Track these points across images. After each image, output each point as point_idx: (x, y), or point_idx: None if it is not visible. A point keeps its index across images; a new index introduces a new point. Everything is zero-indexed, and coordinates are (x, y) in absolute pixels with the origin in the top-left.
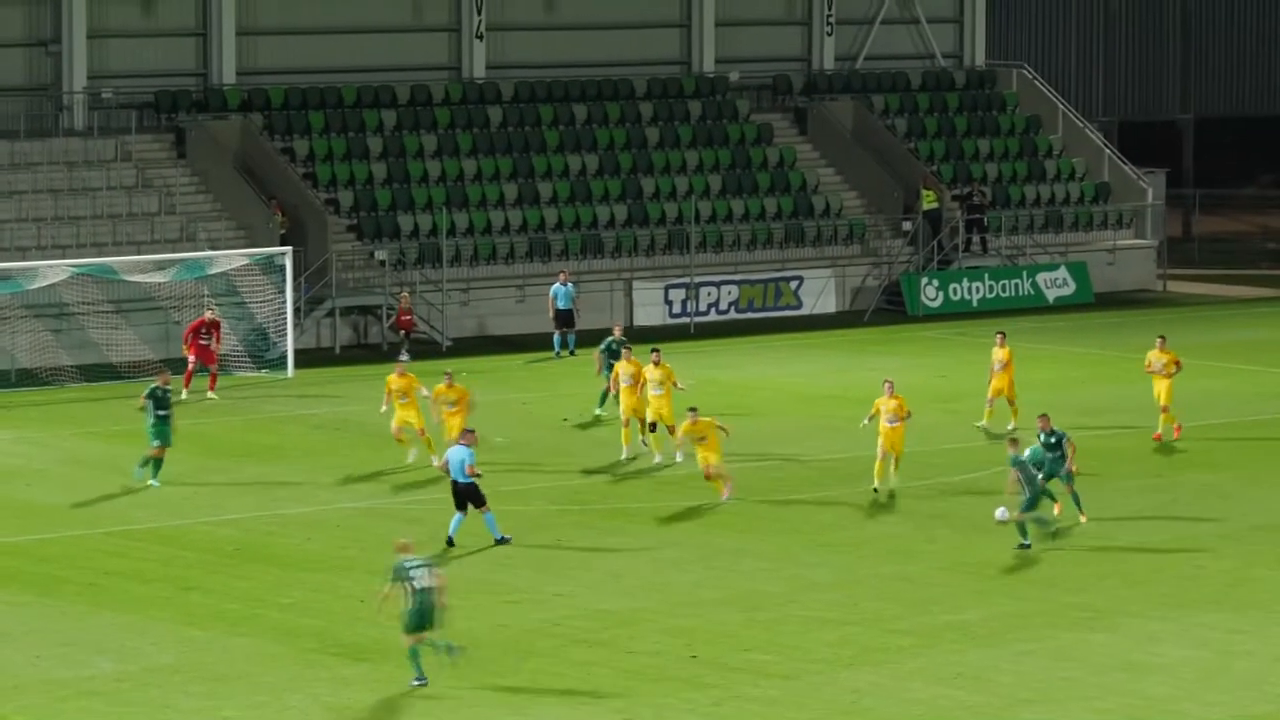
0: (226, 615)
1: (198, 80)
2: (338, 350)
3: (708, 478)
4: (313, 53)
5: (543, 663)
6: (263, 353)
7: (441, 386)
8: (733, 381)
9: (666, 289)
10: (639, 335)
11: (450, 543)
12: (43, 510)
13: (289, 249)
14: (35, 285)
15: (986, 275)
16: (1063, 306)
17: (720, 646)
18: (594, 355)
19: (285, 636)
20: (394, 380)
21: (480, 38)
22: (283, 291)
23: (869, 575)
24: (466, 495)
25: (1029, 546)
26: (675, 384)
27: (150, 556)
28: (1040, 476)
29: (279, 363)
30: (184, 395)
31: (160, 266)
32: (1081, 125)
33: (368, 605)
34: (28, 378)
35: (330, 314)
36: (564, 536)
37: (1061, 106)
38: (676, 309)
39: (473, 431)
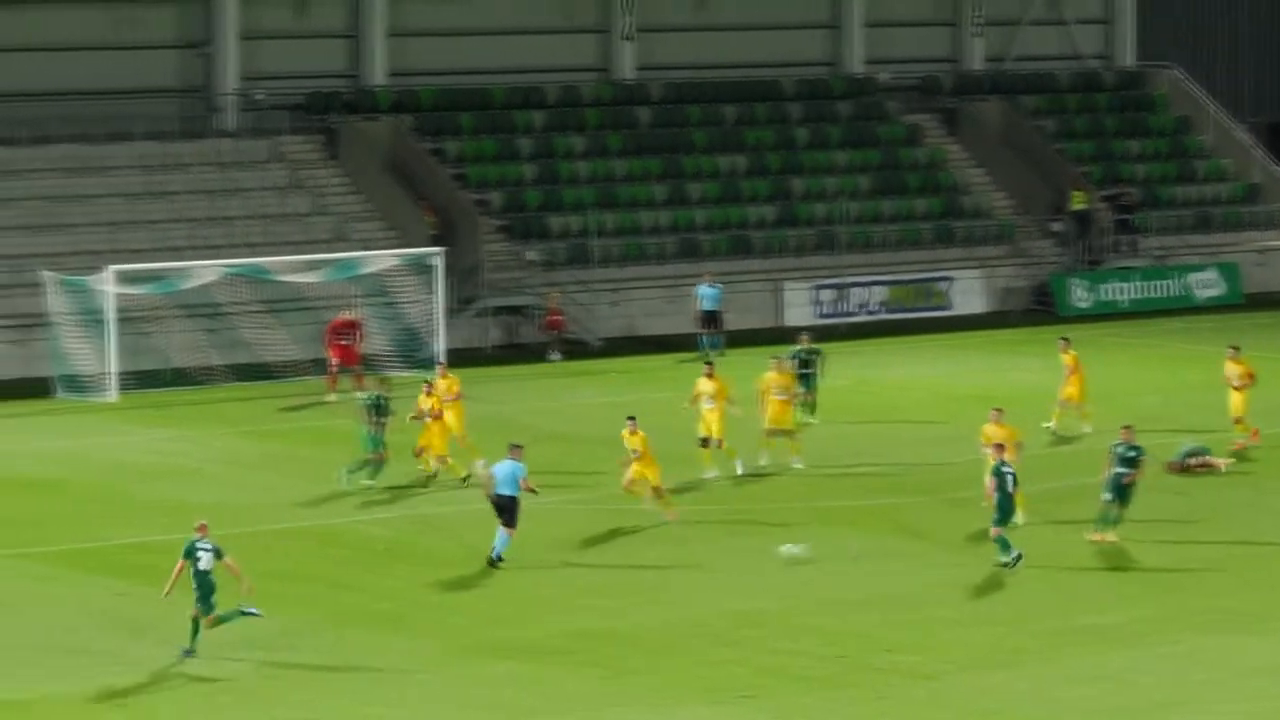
0: (378, 614)
1: (349, 81)
2: (488, 350)
3: (628, 489)
4: (463, 54)
5: (682, 662)
6: (413, 353)
7: (422, 395)
8: (882, 382)
9: (816, 289)
10: (786, 337)
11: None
12: (195, 509)
13: (440, 249)
14: (188, 285)
15: (1136, 276)
16: (1212, 307)
17: (860, 646)
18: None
19: (435, 634)
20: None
21: (630, 39)
22: (433, 292)
23: (1009, 577)
24: (506, 509)
25: (1011, 564)
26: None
27: (302, 555)
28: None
29: (430, 362)
30: (332, 397)
31: (312, 267)
32: (1231, 126)
33: (514, 604)
34: (181, 377)
35: (481, 314)
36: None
37: (1211, 107)
38: (826, 309)
39: (521, 446)
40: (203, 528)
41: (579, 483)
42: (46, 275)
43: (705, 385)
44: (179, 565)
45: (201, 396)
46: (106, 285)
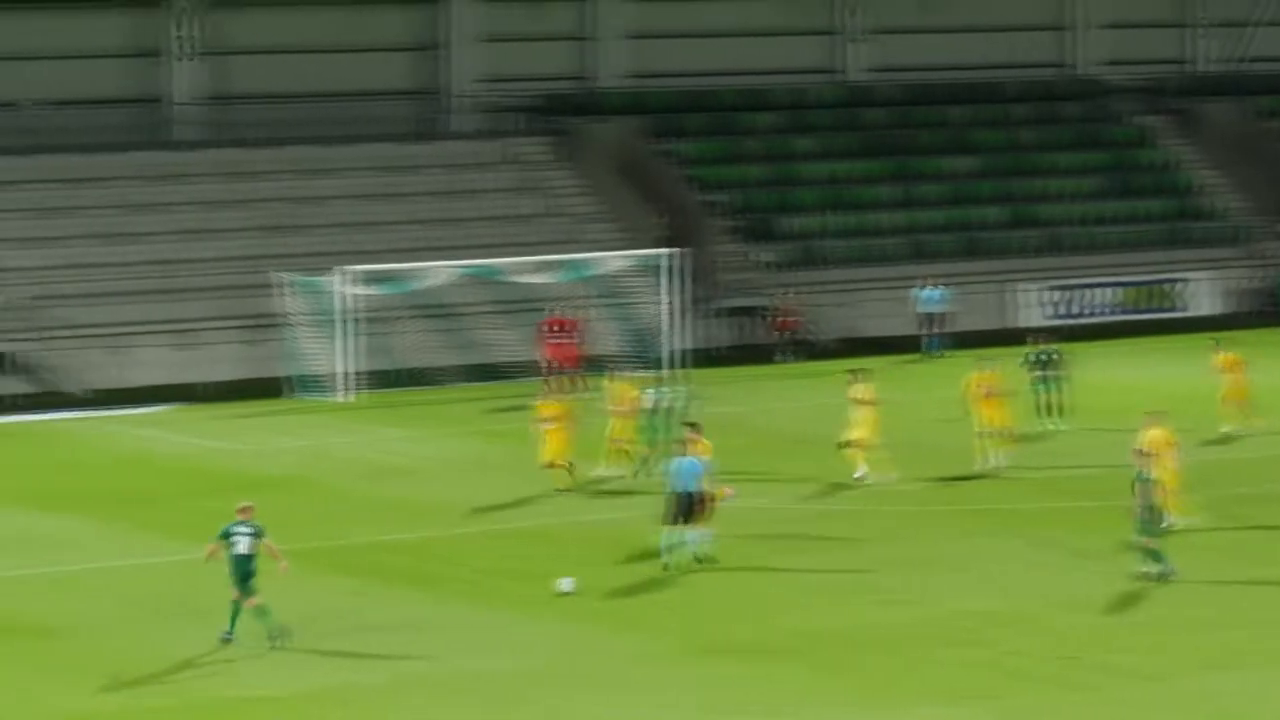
0: (604, 614)
1: (581, 84)
2: (720, 351)
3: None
4: (694, 56)
5: (912, 661)
6: (645, 353)
7: (542, 403)
8: (1113, 383)
9: (1047, 291)
10: (1015, 338)
11: (698, 560)
12: (426, 508)
13: (670, 251)
14: (421, 286)
15: None
16: None
17: (1093, 648)
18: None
19: (663, 635)
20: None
21: (859, 41)
22: (664, 293)
23: (1245, 579)
24: (689, 506)
25: (1156, 576)
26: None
27: (529, 555)
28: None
29: (661, 363)
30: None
31: (544, 268)
32: None
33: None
34: (414, 378)
35: (713, 315)
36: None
37: None
38: (1055, 310)
39: (696, 425)
40: (245, 510)
41: (808, 482)
42: (281, 276)
43: (857, 390)
44: (211, 546)
45: (435, 396)
46: (340, 286)
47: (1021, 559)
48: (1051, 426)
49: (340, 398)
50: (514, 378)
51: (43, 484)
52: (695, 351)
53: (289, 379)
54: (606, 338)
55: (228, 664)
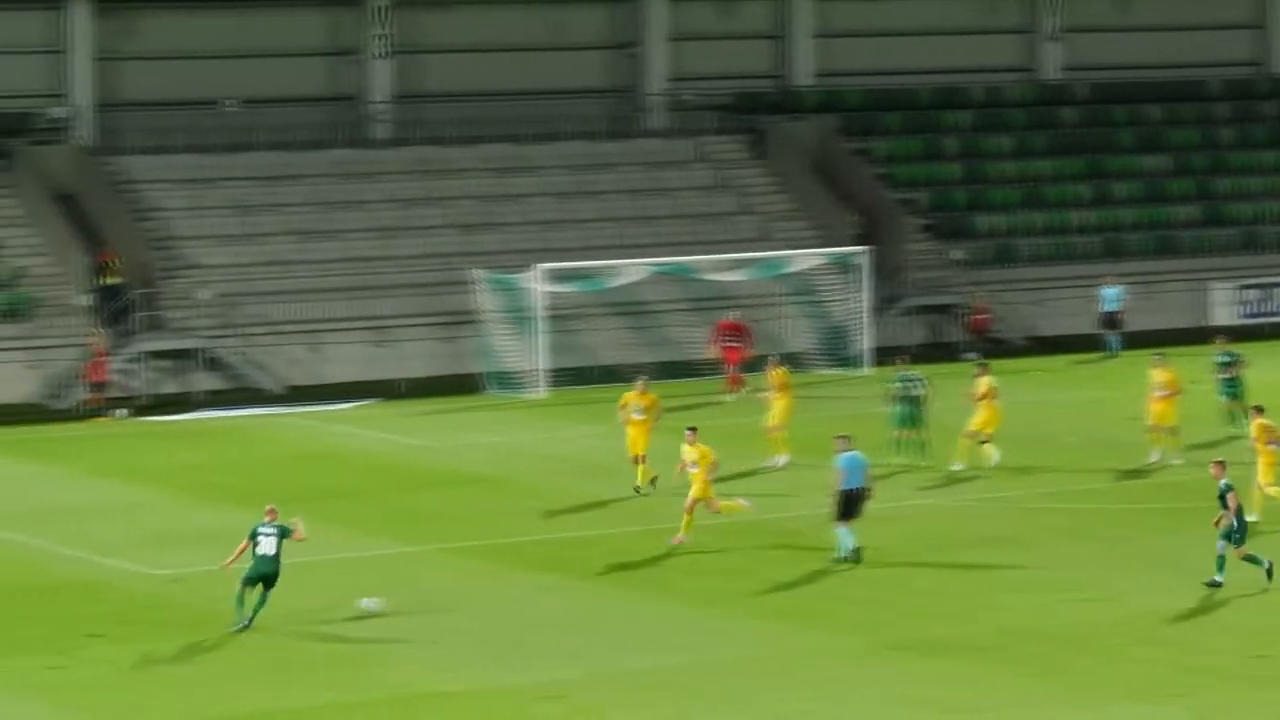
0: (799, 609)
1: (775, 82)
2: (912, 349)
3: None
4: (888, 54)
5: (1107, 659)
6: (839, 350)
7: (632, 394)
8: None
9: (1241, 289)
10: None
11: (856, 556)
12: (621, 504)
13: (864, 248)
14: (615, 284)
15: None
16: None
17: None
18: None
19: (857, 630)
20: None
21: (1055, 39)
22: (857, 291)
23: None
24: (857, 501)
25: (1220, 584)
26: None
27: (721, 549)
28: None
29: (855, 360)
30: (728, 398)
31: (737, 265)
32: None
33: (935, 601)
34: (608, 375)
35: (905, 313)
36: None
37: None
38: (1250, 309)
39: (848, 437)
40: (271, 512)
41: (1002, 480)
42: (476, 274)
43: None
44: (243, 545)
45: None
46: (535, 283)
47: (1208, 557)
48: (1234, 430)
49: (535, 394)
50: (705, 375)
51: (238, 480)
52: (886, 349)
53: (483, 375)
54: (798, 335)
55: (412, 659)
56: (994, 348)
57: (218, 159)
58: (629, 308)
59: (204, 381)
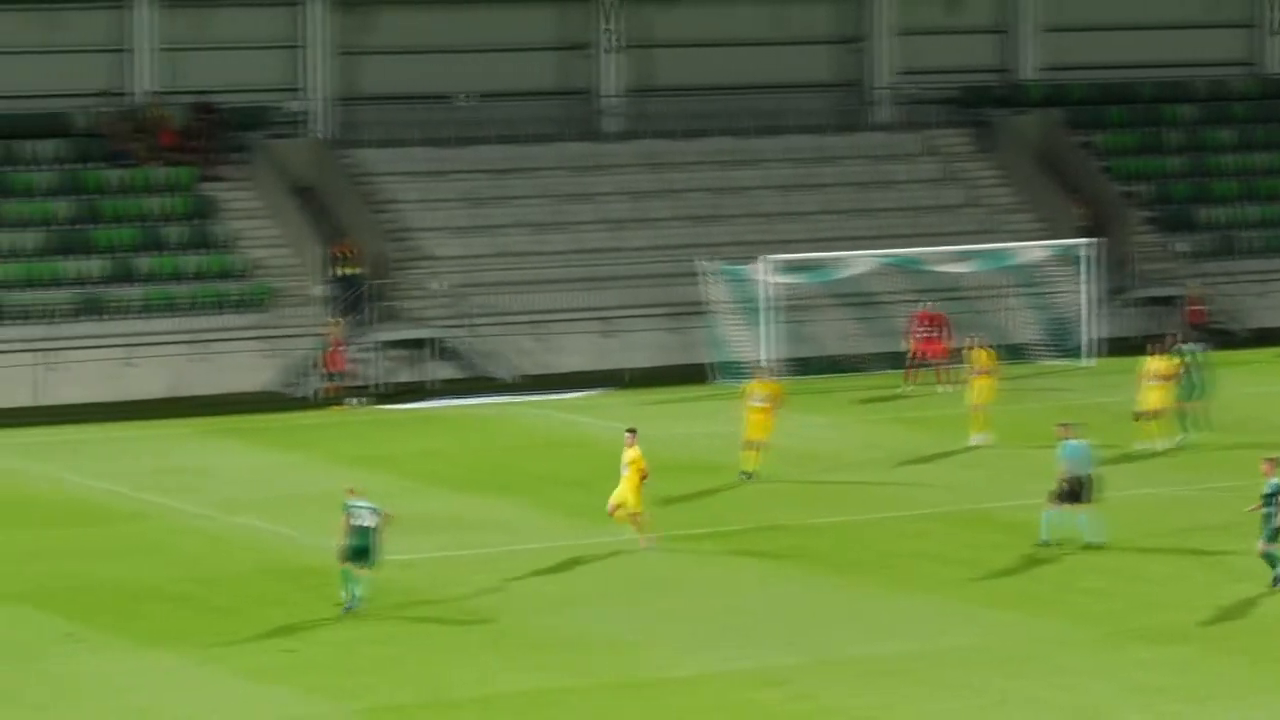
0: (1026, 598)
1: (1001, 76)
2: (1138, 340)
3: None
4: (1112, 48)
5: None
6: (1063, 341)
7: (755, 382)
8: None
9: None
10: None
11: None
12: (848, 493)
13: (1089, 241)
14: (842, 275)
15: None
16: None
17: None
18: None
19: (1086, 620)
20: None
21: (1277, 33)
22: (1083, 282)
23: None
24: (1083, 488)
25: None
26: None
27: (950, 539)
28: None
29: (1079, 351)
30: (904, 389)
31: (963, 257)
32: None
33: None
34: (835, 365)
35: (1130, 304)
36: None
37: None
38: None
39: (1069, 425)
40: (354, 491)
41: (1225, 469)
42: (704, 265)
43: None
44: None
45: (854, 384)
46: (763, 275)
47: None
48: None
49: None
50: (932, 366)
51: (472, 468)
52: (1111, 340)
53: (711, 365)
54: (1023, 327)
55: (638, 645)
56: (1214, 339)
57: (451, 152)
58: (856, 299)
59: (437, 370)
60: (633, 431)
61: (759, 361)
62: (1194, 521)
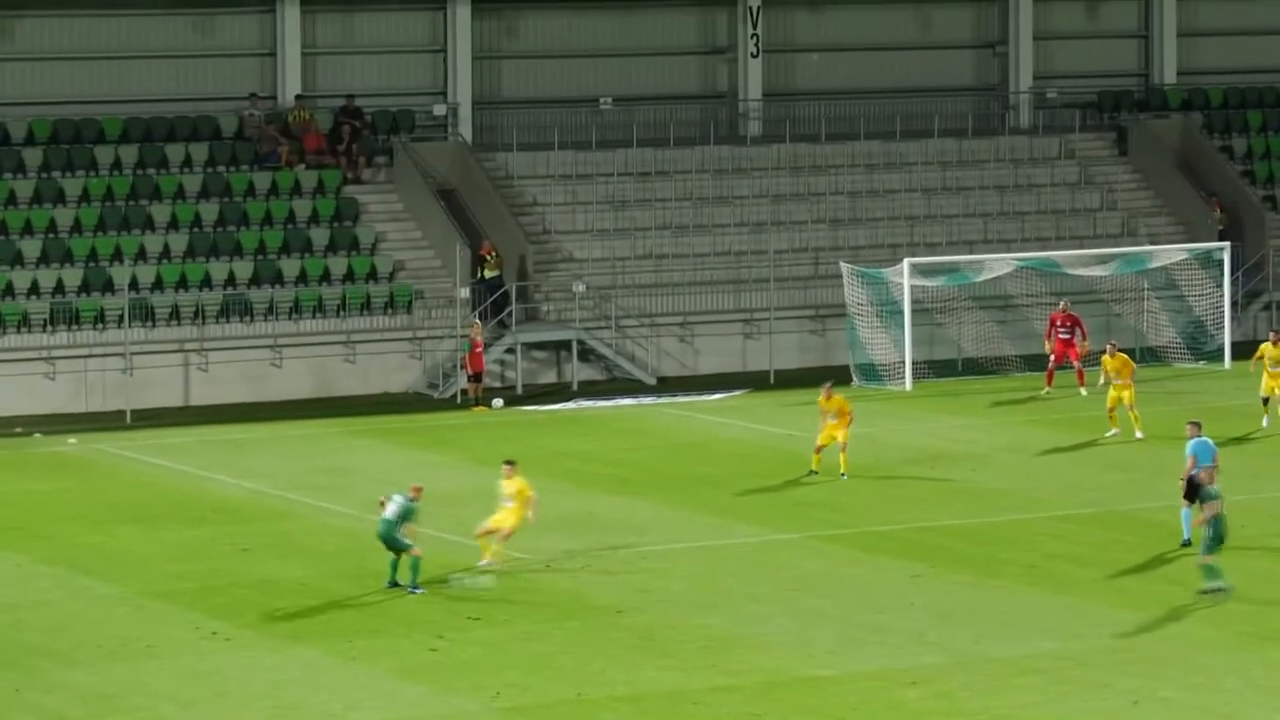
0: (1161, 598)
1: (1139, 80)
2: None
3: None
4: (1250, 53)
5: None
6: (1201, 345)
7: (821, 398)
8: None
9: None
10: None
11: (1189, 542)
12: (986, 494)
13: (1227, 244)
14: (982, 278)
15: None
16: None
17: None
18: None
19: (1220, 620)
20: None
21: None
22: (1221, 285)
23: None
24: (1200, 486)
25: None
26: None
27: (1088, 540)
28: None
29: (1216, 355)
30: (1046, 390)
31: (1101, 260)
32: None
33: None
34: (974, 366)
35: (1266, 308)
36: None
37: None
38: None
39: (1198, 424)
40: (417, 490)
41: None
42: (846, 267)
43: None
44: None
45: (993, 386)
46: (902, 277)
47: None
48: None
49: (901, 386)
50: (1068, 367)
51: (612, 468)
52: (1246, 344)
53: (851, 367)
54: (1160, 329)
55: (783, 645)
56: None
57: (593, 155)
58: (995, 301)
59: (579, 372)
60: (511, 464)
61: (829, 379)
62: None
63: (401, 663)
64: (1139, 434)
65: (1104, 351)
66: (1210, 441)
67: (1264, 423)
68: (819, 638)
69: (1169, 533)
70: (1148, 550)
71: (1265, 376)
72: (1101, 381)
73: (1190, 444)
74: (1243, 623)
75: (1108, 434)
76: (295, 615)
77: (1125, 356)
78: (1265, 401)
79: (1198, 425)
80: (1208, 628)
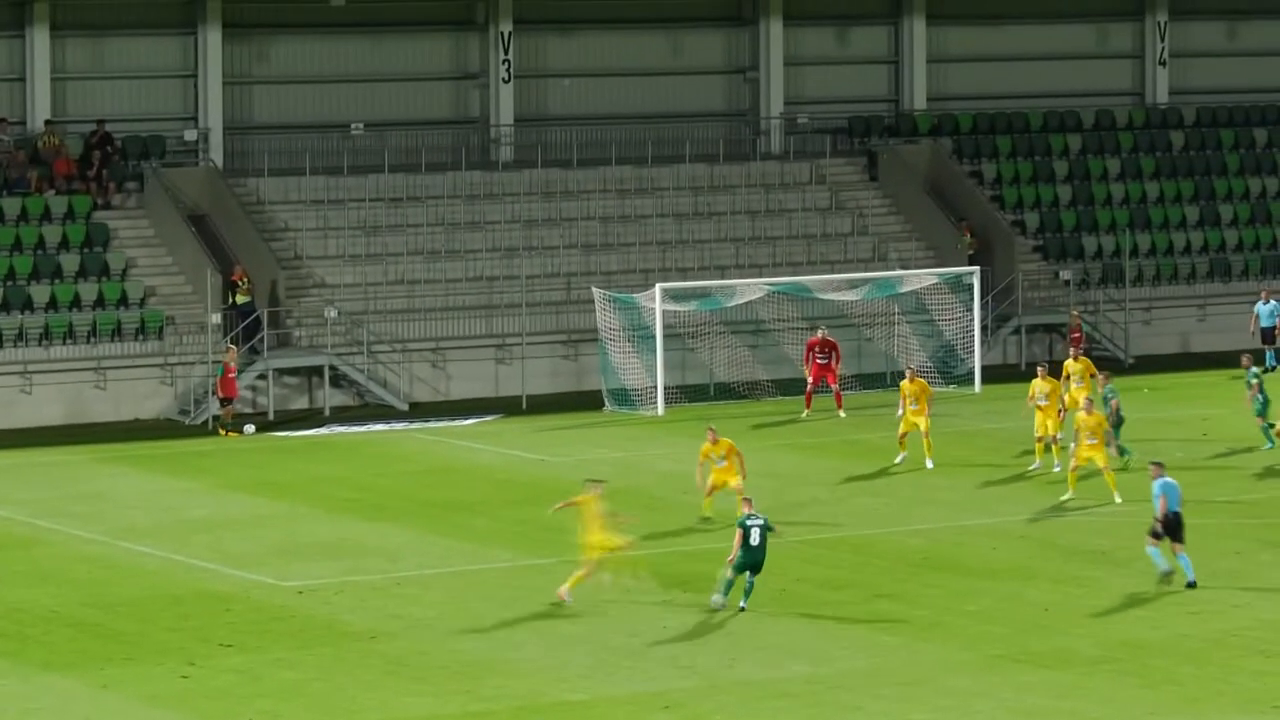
0: (915, 622)
1: (889, 106)
2: (1023, 367)
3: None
4: (1000, 79)
5: (1217, 671)
6: (951, 369)
7: (707, 444)
8: None
9: None
10: None
11: (1168, 577)
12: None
13: (976, 269)
14: (733, 302)
15: None
16: None
17: None
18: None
19: (972, 643)
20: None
21: (1163, 64)
22: (970, 310)
23: None
24: (1178, 526)
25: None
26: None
27: (840, 564)
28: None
29: (967, 378)
30: (805, 414)
31: (852, 285)
32: None
33: (1051, 614)
34: (726, 391)
35: (1016, 331)
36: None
37: None
38: None
39: (1162, 464)
40: (747, 502)
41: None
42: (597, 292)
43: (1041, 386)
44: (738, 536)
45: (744, 410)
46: (654, 302)
47: None
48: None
49: (653, 411)
50: (825, 391)
51: (365, 494)
52: (998, 368)
53: (603, 392)
54: (911, 353)
55: (536, 670)
56: (1105, 365)
57: (345, 181)
58: (746, 326)
59: (331, 398)
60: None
61: (710, 424)
62: (1084, 545)
63: (154, 690)
64: (929, 463)
65: (903, 376)
66: (1174, 481)
67: (1034, 465)
68: (572, 662)
69: (922, 557)
70: (899, 574)
71: (1038, 414)
72: (900, 412)
73: (1156, 484)
74: (994, 645)
75: (897, 460)
76: (45, 643)
77: (924, 383)
78: (1044, 443)
79: (1161, 465)
80: (961, 650)
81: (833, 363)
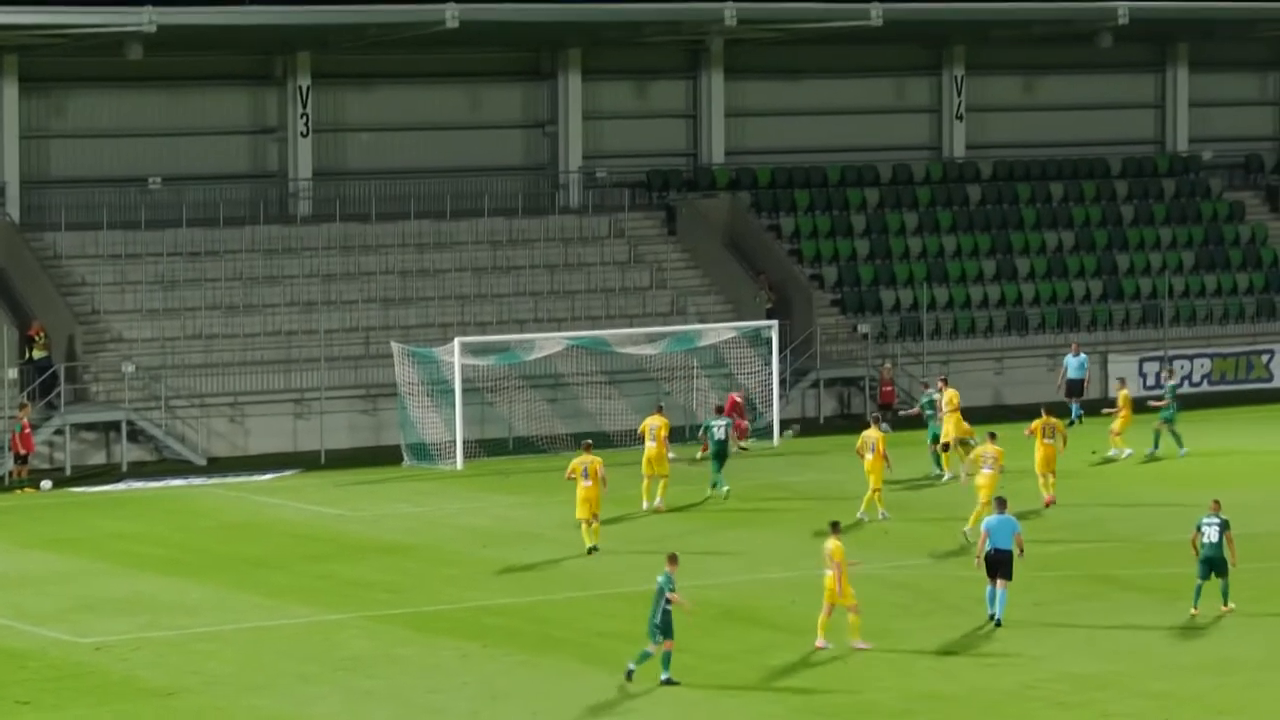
0: (716, 675)
1: (688, 159)
2: (821, 420)
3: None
4: (798, 133)
5: None
6: (750, 422)
7: (581, 457)
8: (1206, 451)
9: (1141, 362)
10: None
11: (997, 621)
12: (537, 573)
13: (775, 322)
14: (532, 356)
15: None
16: None
17: (1192, 711)
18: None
19: (774, 696)
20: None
21: (960, 118)
22: (769, 363)
23: None
24: (1004, 564)
25: None
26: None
27: (640, 618)
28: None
29: (765, 432)
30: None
31: (651, 339)
32: None
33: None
34: (525, 445)
35: (815, 385)
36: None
37: None
38: (1151, 381)
39: (1004, 500)
40: (1215, 504)
41: (908, 548)
42: (396, 346)
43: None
44: (1192, 535)
45: (545, 464)
46: (453, 356)
47: (1125, 623)
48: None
49: (452, 465)
50: (624, 445)
51: (162, 549)
52: (798, 420)
53: (402, 447)
54: (710, 407)
55: None
56: (903, 420)
57: (143, 235)
58: (546, 380)
59: (129, 453)
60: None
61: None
62: (877, 598)
63: None
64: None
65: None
66: (1012, 519)
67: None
68: (372, 717)
69: (720, 611)
70: (699, 627)
71: (866, 464)
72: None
73: (989, 520)
74: (790, 699)
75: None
76: None
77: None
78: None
79: (1003, 502)
80: (765, 704)
81: (741, 419)
